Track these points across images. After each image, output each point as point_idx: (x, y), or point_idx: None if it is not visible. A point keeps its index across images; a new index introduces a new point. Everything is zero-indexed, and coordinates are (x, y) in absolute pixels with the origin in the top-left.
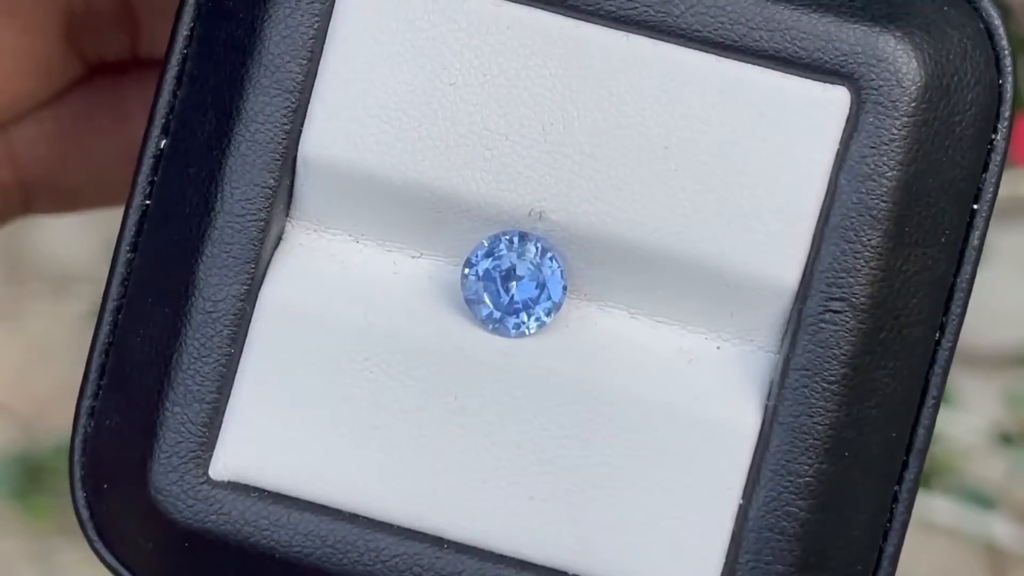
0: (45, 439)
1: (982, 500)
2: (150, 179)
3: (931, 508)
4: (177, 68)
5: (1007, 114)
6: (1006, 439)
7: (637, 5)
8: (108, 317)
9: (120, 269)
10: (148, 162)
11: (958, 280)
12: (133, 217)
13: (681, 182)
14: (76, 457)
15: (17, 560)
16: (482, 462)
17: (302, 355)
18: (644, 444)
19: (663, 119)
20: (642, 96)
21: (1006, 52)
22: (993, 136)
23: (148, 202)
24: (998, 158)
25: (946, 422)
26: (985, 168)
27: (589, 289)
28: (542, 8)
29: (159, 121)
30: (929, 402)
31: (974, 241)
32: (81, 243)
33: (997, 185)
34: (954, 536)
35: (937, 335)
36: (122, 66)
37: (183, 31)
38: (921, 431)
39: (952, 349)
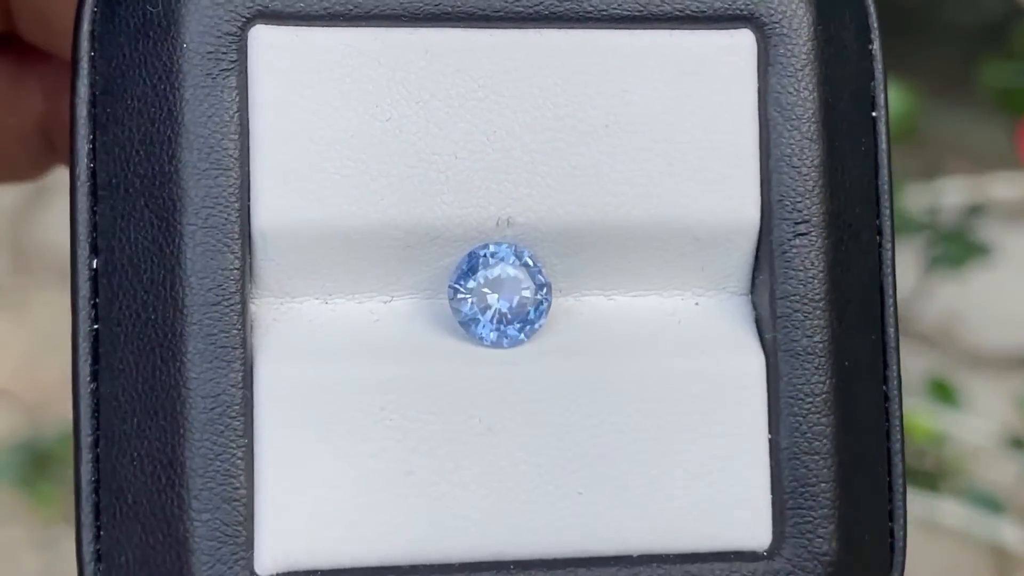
0: (50, 427)
1: (990, 503)
2: (92, 301)
3: (939, 510)
4: (88, 184)
5: (875, 24)
6: (1016, 442)
7: (542, 1)
8: (87, 455)
9: (86, 402)
10: (85, 285)
11: (879, 183)
12: (84, 346)
13: (629, 154)
14: None
15: (22, 548)
16: (523, 474)
17: (316, 424)
18: (669, 412)
19: (595, 101)
20: (570, 84)
21: None
22: (870, 46)
23: (96, 326)
24: (879, 65)
25: (954, 424)
26: (872, 76)
27: (563, 283)
28: (454, 26)
29: (84, 241)
30: (888, 302)
31: (882, 145)
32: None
33: (886, 92)
34: (961, 538)
35: (878, 238)
36: (7, 46)
37: (83, 145)
38: (889, 330)
39: (892, 251)
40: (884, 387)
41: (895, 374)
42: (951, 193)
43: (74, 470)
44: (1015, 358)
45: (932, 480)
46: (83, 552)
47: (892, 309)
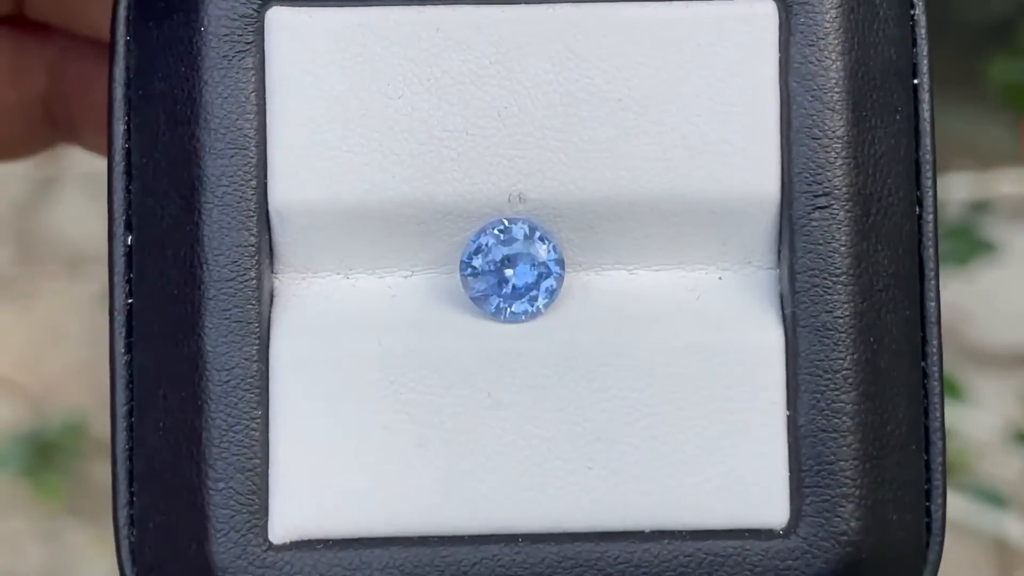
0: (55, 418)
1: (994, 498)
2: (127, 277)
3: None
4: (123, 163)
5: None
6: (1021, 438)
7: None
8: (122, 423)
9: (121, 373)
10: (120, 261)
11: (921, 154)
12: (120, 319)
13: (644, 129)
14: (127, 570)
15: (26, 539)
16: (533, 448)
17: (329, 397)
18: (682, 387)
19: (609, 75)
20: (583, 58)
21: None
22: (912, 11)
23: (131, 300)
24: (922, 31)
25: (960, 420)
26: (914, 43)
27: (583, 258)
28: (465, 3)
29: (120, 219)
30: (929, 275)
31: (924, 114)
32: (95, 224)
33: (930, 58)
34: (965, 533)
35: (917, 210)
36: (12, 21)
37: (119, 125)
38: (930, 304)
39: (935, 222)
40: (923, 363)
41: (935, 349)
42: (957, 190)
43: (111, 437)
44: (1020, 355)
45: None
46: (118, 517)
47: (933, 283)
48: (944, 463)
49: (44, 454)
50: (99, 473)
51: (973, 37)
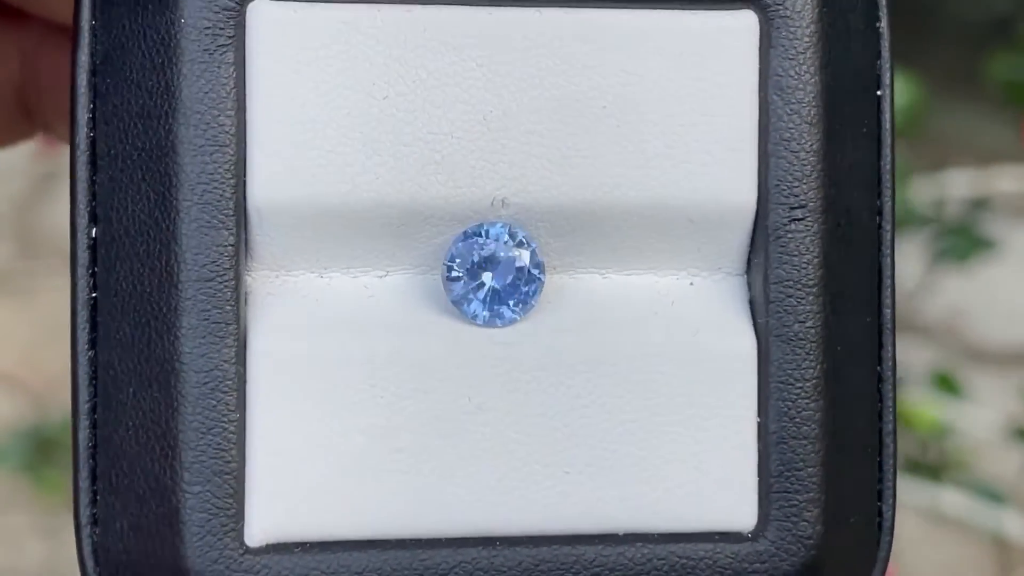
0: (56, 414)
1: (993, 495)
2: (90, 270)
3: (942, 501)
4: (88, 152)
5: (884, 2)
6: (1020, 433)
7: None
8: (84, 421)
9: (84, 370)
10: (84, 254)
11: (882, 164)
12: (83, 313)
13: (625, 135)
14: (89, 569)
15: (26, 534)
16: (511, 452)
17: (307, 399)
18: (657, 392)
19: (593, 81)
20: (568, 64)
21: None
22: (878, 24)
23: (95, 294)
24: (886, 44)
25: (959, 417)
26: (878, 55)
27: (558, 262)
28: (453, 4)
29: (83, 209)
30: (886, 283)
31: (886, 125)
32: None
33: (892, 69)
34: (963, 530)
35: (877, 219)
36: None
37: (83, 113)
38: (886, 311)
39: (892, 232)
40: (878, 367)
41: (890, 355)
42: (957, 187)
43: (71, 435)
44: (1019, 352)
45: (935, 472)
46: (80, 516)
47: (889, 290)
48: (895, 466)
49: (45, 450)
50: None
51: (973, 34)
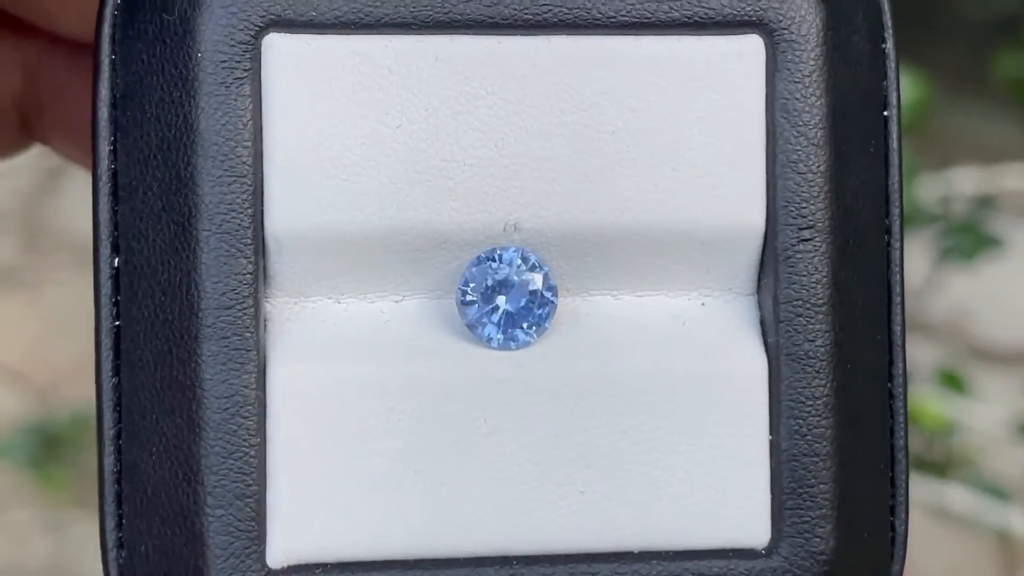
0: (62, 410)
1: (998, 492)
2: (113, 299)
3: (947, 499)
4: (110, 184)
5: (889, 22)
6: None
7: (551, 7)
8: (109, 447)
9: (108, 396)
10: (107, 283)
11: (890, 183)
12: (106, 341)
13: (636, 161)
14: None
15: (32, 530)
16: (527, 473)
17: (326, 423)
18: (671, 413)
19: (603, 107)
20: (577, 90)
21: None
22: (884, 45)
23: (118, 322)
24: (892, 64)
25: (964, 415)
26: (884, 76)
27: (571, 284)
28: (463, 33)
29: (106, 240)
30: (895, 300)
31: (893, 144)
32: None
33: (899, 90)
34: (969, 527)
35: (886, 238)
36: None
37: (104, 146)
38: (896, 328)
39: (901, 250)
40: (889, 384)
41: (900, 371)
42: (963, 185)
43: (97, 461)
44: None
45: (941, 469)
46: (106, 539)
47: (899, 308)
48: (907, 482)
49: (50, 446)
50: None
51: (980, 33)
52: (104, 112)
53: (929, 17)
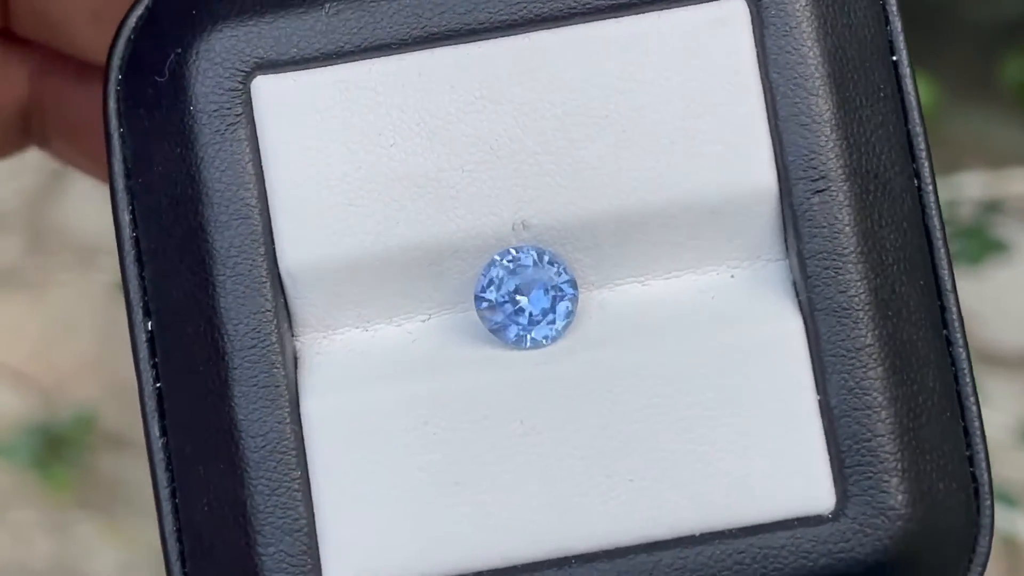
0: (65, 410)
1: (1005, 498)
2: (152, 362)
3: None
4: (134, 252)
5: None
6: None
7: (524, 5)
8: (167, 506)
9: (159, 457)
10: (143, 348)
11: (911, 128)
12: (150, 404)
13: (634, 141)
14: None
15: (34, 531)
16: (571, 468)
17: (364, 448)
18: (709, 387)
19: (593, 93)
20: (564, 81)
21: None
22: None
23: (159, 384)
24: (894, 8)
25: None
26: (887, 21)
27: (595, 276)
28: (443, 45)
29: (138, 307)
30: (937, 244)
31: (908, 88)
32: (107, 215)
33: (906, 35)
34: None
35: (915, 182)
36: None
37: (124, 215)
38: (942, 273)
39: (935, 191)
40: (945, 331)
41: (955, 316)
42: (969, 189)
43: (158, 522)
44: None
45: None
46: None
47: (943, 251)
48: (982, 427)
49: (54, 446)
50: (108, 466)
51: (986, 37)
52: (120, 184)
53: (936, 21)
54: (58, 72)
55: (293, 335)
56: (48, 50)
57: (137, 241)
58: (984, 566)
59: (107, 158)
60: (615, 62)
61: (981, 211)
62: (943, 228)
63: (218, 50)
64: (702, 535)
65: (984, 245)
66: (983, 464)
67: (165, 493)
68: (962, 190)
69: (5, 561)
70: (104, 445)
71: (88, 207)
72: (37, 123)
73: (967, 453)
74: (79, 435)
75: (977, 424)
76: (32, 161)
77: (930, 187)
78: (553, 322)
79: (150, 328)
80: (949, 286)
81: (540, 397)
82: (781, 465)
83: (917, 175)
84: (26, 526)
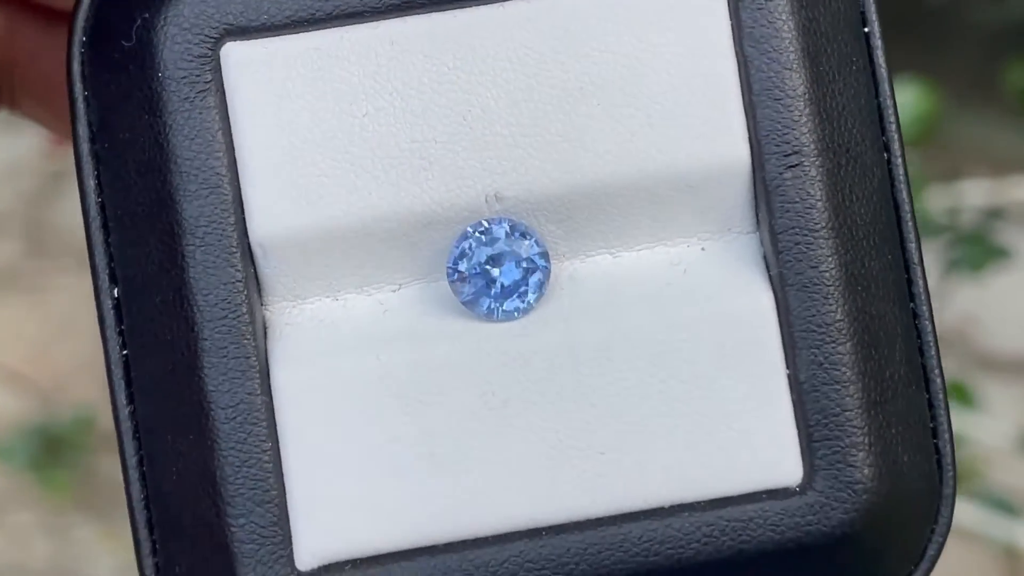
0: (64, 412)
1: (1005, 506)
2: (118, 329)
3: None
4: (99, 218)
5: None
6: None
7: None
8: (134, 474)
9: (126, 426)
10: (110, 315)
11: (881, 100)
12: (117, 372)
13: (608, 113)
14: None
15: (33, 533)
16: (544, 441)
17: (335, 419)
18: (681, 361)
19: (566, 65)
20: (538, 52)
21: None
22: None
23: (126, 352)
24: None
25: (971, 427)
26: None
27: (566, 248)
28: (416, 13)
29: (104, 274)
30: (905, 217)
31: (879, 60)
32: None
33: (879, 6)
34: (974, 540)
35: (885, 155)
36: None
37: (89, 181)
38: (910, 246)
39: (903, 164)
40: (912, 304)
41: (921, 289)
42: (972, 196)
43: (125, 491)
44: None
45: None
46: (144, 568)
47: (910, 224)
48: (946, 399)
49: (52, 448)
50: (107, 468)
51: (990, 43)
52: (85, 148)
53: (939, 27)
54: (28, 28)
55: (263, 304)
56: (15, 4)
57: (103, 207)
58: (945, 536)
59: (71, 122)
60: (589, 33)
61: (983, 217)
62: (911, 201)
63: (187, 15)
64: (671, 507)
65: (986, 251)
66: (946, 435)
67: (132, 461)
68: (964, 196)
69: (3, 564)
70: (103, 447)
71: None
72: (6, 83)
73: (931, 425)
74: (78, 437)
75: (941, 396)
76: (30, 164)
77: (899, 160)
78: (525, 294)
79: (116, 295)
80: (916, 259)
81: (511, 370)
82: (750, 439)
83: (887, 148)
84: (24, 528)
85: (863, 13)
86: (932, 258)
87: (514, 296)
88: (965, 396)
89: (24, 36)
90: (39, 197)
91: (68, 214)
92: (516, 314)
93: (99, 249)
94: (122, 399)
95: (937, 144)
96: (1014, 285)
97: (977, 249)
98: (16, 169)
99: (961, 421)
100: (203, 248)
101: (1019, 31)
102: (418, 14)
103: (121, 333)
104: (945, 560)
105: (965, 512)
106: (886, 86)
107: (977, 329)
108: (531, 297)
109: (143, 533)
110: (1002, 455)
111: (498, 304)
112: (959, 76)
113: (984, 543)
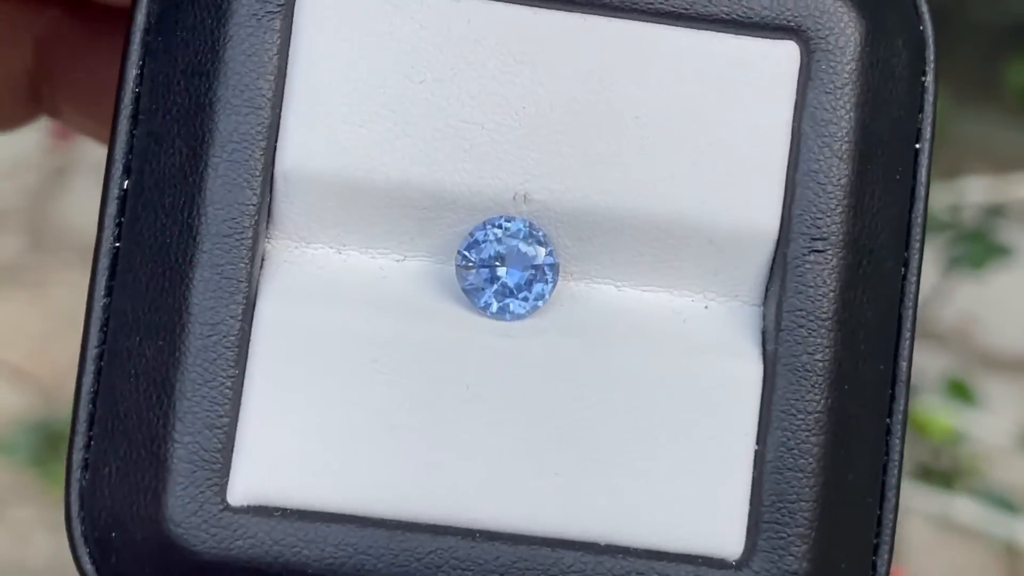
0: (65, 408)
1: (1004, 503)
2: (117, 220)
3: (953, 509)
4: (131, 107)
5: (931, 57)
6: None
7: None
8: (91, 366)
9: (96, 316)
10: (113, 203)
11: (913, 216)
12: (104, 261)
13: (655, 149)
14: (74, 513)
15: (34, 528)
16: (503, 446)
17: (307, 367)
18: (656, 406)
19: (629, 91)
20: (606, 72)
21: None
22: (923, 78)
23: (118, 244)
24: (930, 98)
25: (972, 424)
26: (920, 108)
27: (575, 268)
28: (499, 0)
29: (119, 162)
30: (905, 335)
31: (921, 178)
32: None
33: (934, 125)
34: (974, 537)
35: (903, 270)
36: None
37: (132, 70)
38: (902, 363)
39: (917, 283)
40: (888, 419)
41: (901, 408)
42: (973, 193)
43: (76, 379)
44: None
45: (947, 479)
46: (72, 460)
47: (908, 343)
48: (895, 521)
49: (54, 444)
50: None
51: (992, 41)
52: (137, 36)
53: (941, 24)
54: (69, 36)
55: (268, 236)
56: (59, 12)
57: (138, 98)
58: None
59: (130, 10)
60: (661, 67)
61: (984, 215)
62: (915, 321)
63: None
64: (608, 546)
65: (987, 249)
66: (886, 555)
67: (92, 354)
68: (966, 194)
69: (4, 559)
70: None
71: (89, 205)
72: (47, 91)
73: (875, 541)
74: None
75: (891, 517)
76: (33, 160)
77: (914, 279)
78: (526, 300)
79: (125, 187)
80: (904, 378)
81: (494, 368)
82: (702, 501)
83: (906, 263)
84: (25, 524)
85: (919, 129)
86: (933, 256)
87: (515, 298)
88: (966, 394)
89: (66, 42)
90: (41, 193)
91: (71, 211)
92: (509, 316)
93: (121, 138)
94: (101, 290)
95: (938, 142)
96: (1015, 283)
97: (978, 247)
98: (18, 165)
99: (962, 419)
100: (228, 163)
101: (1020, 30)
102: (502, 1)
103: (119, 225)
104: (946, 557)
105: (965, 509)
106: (921, 204)
107: (978, 327)
108: (530, 304)
109: (82, 426)
110: (1002, 453)
111: (497, 301)
112: (960, 74)
113: (984, 540)
